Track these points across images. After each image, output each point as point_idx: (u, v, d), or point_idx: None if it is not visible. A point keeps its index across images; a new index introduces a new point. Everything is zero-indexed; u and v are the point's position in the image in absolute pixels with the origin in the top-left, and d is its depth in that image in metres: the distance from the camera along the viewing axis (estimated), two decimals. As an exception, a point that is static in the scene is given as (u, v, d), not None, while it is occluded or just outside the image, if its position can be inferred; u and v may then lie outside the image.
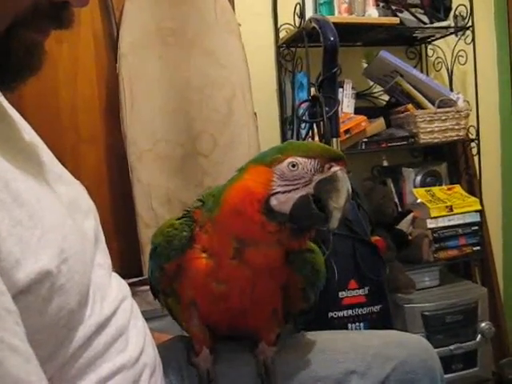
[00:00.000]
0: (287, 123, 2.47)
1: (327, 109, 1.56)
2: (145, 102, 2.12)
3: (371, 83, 2.63)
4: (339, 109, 1.76)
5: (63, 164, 0.84)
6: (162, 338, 1.04)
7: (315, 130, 1.76)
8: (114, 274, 0.81)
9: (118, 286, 0.78)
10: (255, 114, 2.23)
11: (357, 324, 1.64)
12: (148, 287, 0.99)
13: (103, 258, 0.79)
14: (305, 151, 0.82)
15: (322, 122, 1.59)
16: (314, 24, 1.66)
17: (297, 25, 2.36)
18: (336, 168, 0.81)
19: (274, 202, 0.80)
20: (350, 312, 1.63)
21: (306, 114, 1.65)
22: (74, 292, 0.63)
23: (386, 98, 2.62)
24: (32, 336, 0.53)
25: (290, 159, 0.81)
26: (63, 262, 0.61)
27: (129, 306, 0.78)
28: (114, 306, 0.73)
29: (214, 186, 2.14)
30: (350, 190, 0.81)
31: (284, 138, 2.49)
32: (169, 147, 2.12)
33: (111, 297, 0.74)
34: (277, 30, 2.49)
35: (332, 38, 1.60)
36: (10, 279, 0.53)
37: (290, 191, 0.80)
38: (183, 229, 0.89)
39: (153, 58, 2.13)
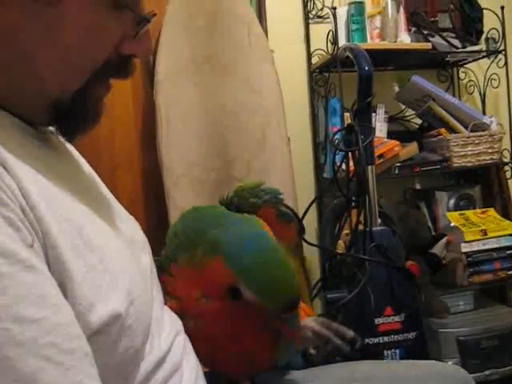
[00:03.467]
0: (320, 148, 2.49)
1: (362, 137, 1.58)
2: (180, 128, 2.16)
3: (403, 107, 2.64)
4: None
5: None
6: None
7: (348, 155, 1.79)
8: (166, 308, 0.83)
9: (170, 320, 0.80)
10: (288, 138, 2.26)
11: (392, 350, 1.64)
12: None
13: (157, 291, 0.81)
14: None
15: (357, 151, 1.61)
16: (348, 53, 1.68)
17: (329, 51, 2.38)
18: None
19: None
20: (385, 339, 1.63)
21: (342, 141, 1.67)
22: (139, 331, 0.65)
23: (419, 121, 2.63)
24: (100, 376, 0.56)
25: None
26: (130, 304, 0.63)
27: (182, 341, 0.80)
28: (169, 340, 0.75)
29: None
30: None
31: (317, 163, 2.52)
32: (204, 172, 2.15)
33: (166, 331, 0.76)
34: (309, 56, 2.53)
35: (367, 68, 1.62)
36: (85, 322, 0.56)
37: None
38: None
39: (188, 85, 2.18)
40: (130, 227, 0.82)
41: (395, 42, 2.33)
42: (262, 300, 0.75)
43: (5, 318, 0.49)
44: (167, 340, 0.75)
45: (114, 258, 0.65)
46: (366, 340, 1.61)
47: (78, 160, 0.83)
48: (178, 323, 0.83)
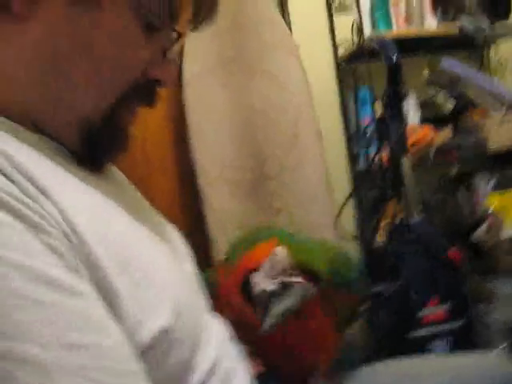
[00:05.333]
0: (353, 139, 2.47)
1: (395, 128, 1.56)
2: (211, 130, 2.17)
3: (435, 92, 2.60)
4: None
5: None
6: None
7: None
8: (213, 314, 0.83)
9: (218, 327, 0.80)
10: (320, 132, 2.24)
11: (438, 342, 1.63)
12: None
13: (203, 300, 0.81)
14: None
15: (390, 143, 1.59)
16: (374, 45, 1.67)
17: (355, 41, 2.36)
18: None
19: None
20: (431, 329, 1.62)
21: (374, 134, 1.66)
22: (189, 343, 0.65)
23: (451, 105, 2.58)
24: None
25: None
26: (178, 316, 0.62)
27: (232, 347, 0.79)
28: (219, 347, 0.74)
29: (283, 207, 2.16)
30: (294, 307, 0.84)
31: (350, 155, 2.50)
32: (238, 172, 2.16)
33: (214, 339, 0.75)
34: (335, 47, 2.51)
35: (394, 58, 1.60)
36: (135, 339, 0.56)
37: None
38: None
39: (216, 86, 2.18)
40: (174, 237, 0.82)
41: (421, 25, 2.30)
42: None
43: (55, 347, 0.49)
44: (217, 347, 0.74)
45: (160, 271, 0.65)
46: (411, 333, 1.60)
47: (120, 178, 0.83)
48: (226, 329, 0.82)
